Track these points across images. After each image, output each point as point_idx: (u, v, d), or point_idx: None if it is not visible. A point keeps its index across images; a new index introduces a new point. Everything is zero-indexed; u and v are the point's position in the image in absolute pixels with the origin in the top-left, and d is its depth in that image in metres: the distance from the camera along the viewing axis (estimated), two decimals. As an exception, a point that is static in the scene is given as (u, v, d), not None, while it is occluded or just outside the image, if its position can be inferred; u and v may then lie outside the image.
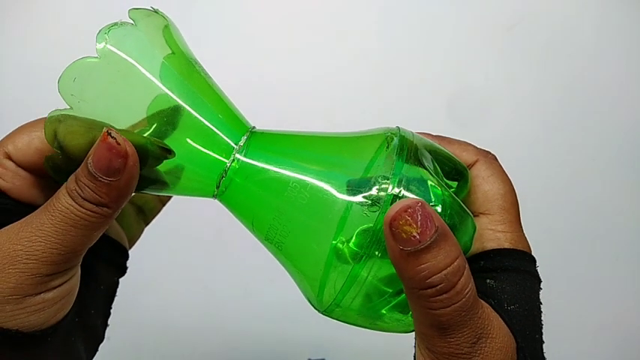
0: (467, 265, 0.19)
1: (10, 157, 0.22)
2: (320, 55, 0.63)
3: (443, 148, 0.24)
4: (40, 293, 0.19)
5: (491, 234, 0.22)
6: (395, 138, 0.22)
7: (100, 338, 0.26)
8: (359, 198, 0.20)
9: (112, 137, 0.19)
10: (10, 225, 0.20)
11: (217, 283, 0.58)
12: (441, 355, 0.19)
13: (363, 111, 0.62)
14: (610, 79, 0.63)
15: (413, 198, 0.19)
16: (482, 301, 0.20)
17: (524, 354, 0.20)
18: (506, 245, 0.22)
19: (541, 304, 0.22)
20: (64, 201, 0.19)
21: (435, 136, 0.25)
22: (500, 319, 0.20)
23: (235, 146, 0.22)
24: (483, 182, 0.23)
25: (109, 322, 0.27)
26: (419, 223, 0.17)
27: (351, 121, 0.62)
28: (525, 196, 0.66)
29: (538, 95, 0.63)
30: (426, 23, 0.64)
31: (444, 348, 0.19)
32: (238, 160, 0.22)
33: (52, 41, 0.63)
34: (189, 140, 0.22)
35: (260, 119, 0.65)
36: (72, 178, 0.19)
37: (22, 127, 0.23)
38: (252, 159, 0.22)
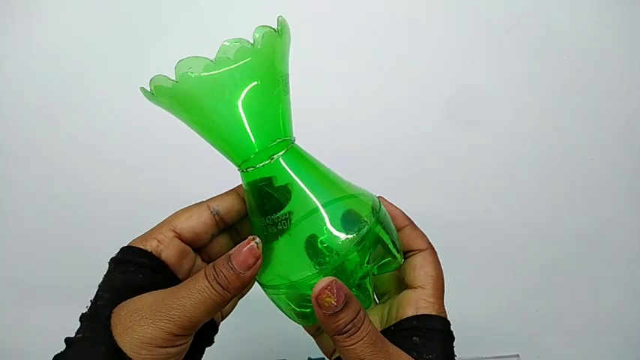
0: (366, 315, 0.27)
1: (174, 230, 0.30)
2: (320, 55, 0.63)
3: (395, 232, 0.32)
4: (167, 347, 0.26)
5: (424, 302, 0.31)
6: (365, 227, 0.29)
7: None
8: (314, 259, 0.28)
9: (256, 243, 0.27)
10: (158, 291, 0.27)
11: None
12: None
13: (363, 111, 0.62)
14: (609, 79, 0.63)
15: (329, 278, 0.26)
16: (395, 347, 0.28)
17: None
18: (434, 312, 0.30)
19: (455, 356, 0.31)
20: (201, 282, 0.26)
21: (408, 218, 0.34)
22: None
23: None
24: (427, 265, 0.32)
25: None
26: (334, 294, 0.26)
27: (351, 121, 0.62)
28: (525, 196, 0.66)
29: (537, 95, 0.63)
30: (425, 24, 0.64)
31: None
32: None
33: (52, 41, 0.64)
34: None
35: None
36: (210, 266, 0.26)
37: (187, 208, 0.31)
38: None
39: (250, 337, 0.60)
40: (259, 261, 0.27)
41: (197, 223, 0.30)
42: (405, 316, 0.30)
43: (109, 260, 0.30)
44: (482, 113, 0.63)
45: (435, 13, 0.64)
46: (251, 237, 0.27)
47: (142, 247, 0.29)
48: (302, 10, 0.64)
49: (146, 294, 0.27)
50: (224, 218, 0.31)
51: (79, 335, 0.27)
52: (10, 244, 0.62)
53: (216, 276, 0.26)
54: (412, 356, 0.28)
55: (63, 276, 0.61)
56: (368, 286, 0.30)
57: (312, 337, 0.36)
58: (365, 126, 0.62)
